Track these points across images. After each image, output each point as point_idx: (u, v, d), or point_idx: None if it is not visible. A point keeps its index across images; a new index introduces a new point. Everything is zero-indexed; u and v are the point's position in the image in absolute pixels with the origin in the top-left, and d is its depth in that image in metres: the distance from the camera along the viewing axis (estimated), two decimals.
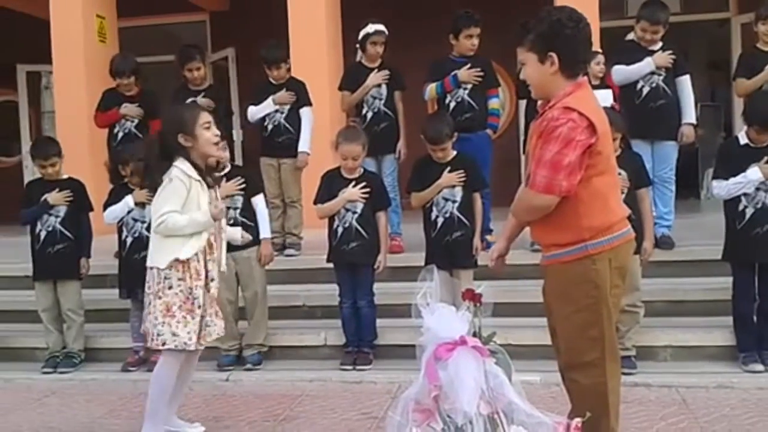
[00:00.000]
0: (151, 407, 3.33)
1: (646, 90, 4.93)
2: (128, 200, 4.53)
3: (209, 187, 3.36)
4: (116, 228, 4.65)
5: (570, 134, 2.37)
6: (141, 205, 4.54)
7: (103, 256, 5.11)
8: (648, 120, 4.86)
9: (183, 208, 3.22)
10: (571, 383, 2.66)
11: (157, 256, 3.27)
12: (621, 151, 3.98)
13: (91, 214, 4.89)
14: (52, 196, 4.68)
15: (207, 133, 3.29)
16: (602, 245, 2.47)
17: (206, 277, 3.30)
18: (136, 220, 4.57)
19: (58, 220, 4.69)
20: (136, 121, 5.64)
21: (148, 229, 4.53)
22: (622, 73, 4.96)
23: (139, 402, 4.07)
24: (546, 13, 2.51)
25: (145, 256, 4.41)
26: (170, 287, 3.21)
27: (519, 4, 6.84)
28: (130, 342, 4.71)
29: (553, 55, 2.45)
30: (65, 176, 4.83)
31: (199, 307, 3.25)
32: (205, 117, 3.31)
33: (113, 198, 4.60)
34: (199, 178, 3.29)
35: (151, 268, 3.28)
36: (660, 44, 4.97)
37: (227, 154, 4.37)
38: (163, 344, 3.22)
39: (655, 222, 4.52)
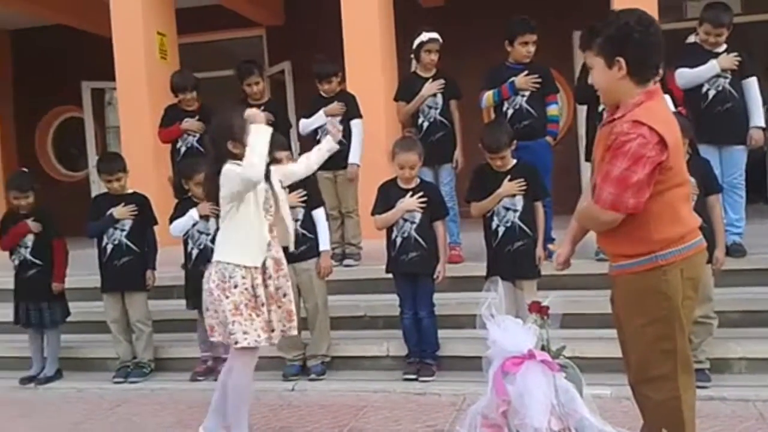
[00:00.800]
0: (234, 413, 3.41)
1: (711, 93, 4.80)
2: (193, 213, 4.62)
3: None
4: (182, 240, 4.76)
5: (639, 150, 2.29)
6: (205, 218, 4.64)
7: (169, 267, 5.22)
8: (715, 124, 4.73)
9: (242, 201, 3.31)
10: (642, 398, 2.58)
11: (222, 249, 3.36)
12: (689, 156, 3.87)
13: (156, 227, 5.01)
14: (118, 211, 4.81)
15: None
16: (673, 256, 2.40)
17: (264, 273, 3.37)
18: (201, 233, 4.66)
19: (124, 233, 4.81)
20: (198, 135, 5.76)
21: (212, 241, 4.62)
22: (686, 76, 4.84)
23: (208, 411, 4.15)
24: (615, 16, 2.44)
25: None
26: (236, 286, 3.28)
27: (576, 10, 6.78)
28: (198, 352, 4.80)
29: (621, 59, 2.38)
30: (130, 191, 4.97)
31: (263, 304, 3.33)
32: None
33: (179, 212, 4.70)
34: None
35: (216, 262, 3.35)
36: (724, 46, 4.83)
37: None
38: (236, 343, 3.28)
39: (725, 229, 4.39)
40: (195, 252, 4.67)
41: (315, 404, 4.15)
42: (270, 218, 3.46)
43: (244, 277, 3.29)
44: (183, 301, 4.79)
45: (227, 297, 3.27)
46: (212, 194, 3.42)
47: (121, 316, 4.85)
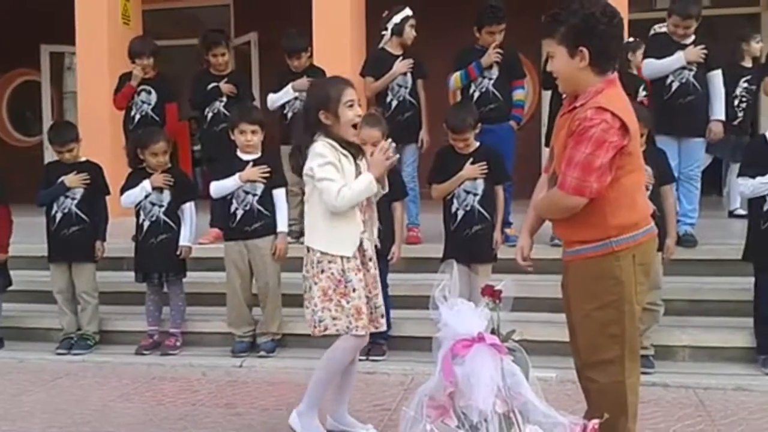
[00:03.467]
0: (314, 388, 3.23)
1: (675, 85, 4.84)
2: (145, 185, 4.53)
3: (354, 159, 3.14)
4: (134, 212, 4.66)
5: (603, 136, 2.33)
6: (159, 189, 4.55)
7: (120, 239, 5.12)
8: (676, 116, 4.78)
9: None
10: (588, 382, 2.62)
11: (314, 236, 3.12)
12: (645, 147, 3.89)
13: (108, 197, 4.88)
14: (69, 179, 4.69)
15: (350, 112, 3.08)
16: (627, 242, 2.44)
17: (363, 256, 3.14)
18: (153, 204, 4.57)
19: (74, 202, 4.69)
20: (153, 103, 5.64)
21: (165, 213, 4.58)
22: (652, 67, 4.87)
23: (152, 386, 4.11)
24: (579, 5, 2.43)
25: (162, 241, 4.55)
26: (322, 271, 3.07)
27: None
28: (144, 325, 4.72)
29: (584, 49, 2.39)
30: (83, 159, 4.84)
31: (354, 290, 3.07)
32: (350, 95, 3.10)
33: (131, 182, 4.61)
34: (345, 151, 3.10)
35: (308, 250, 3.13)
36: (692, 38, 4.86)
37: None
38: (325, 329, 3.09)
39: (678, 219, 4.44)
40: (147, 224, 4.58)
41: (262, 381, 4.12)
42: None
43: (330, 262, 3.06)
44: (132, 273, 4.69)
45: (316, 284, 3.07)
46: (297, 167, 3.13)
47: (67, 286, 4.73)
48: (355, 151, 3.16)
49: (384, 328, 3.29)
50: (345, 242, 3.09)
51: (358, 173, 3.12)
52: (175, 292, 4.68)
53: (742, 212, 5.59)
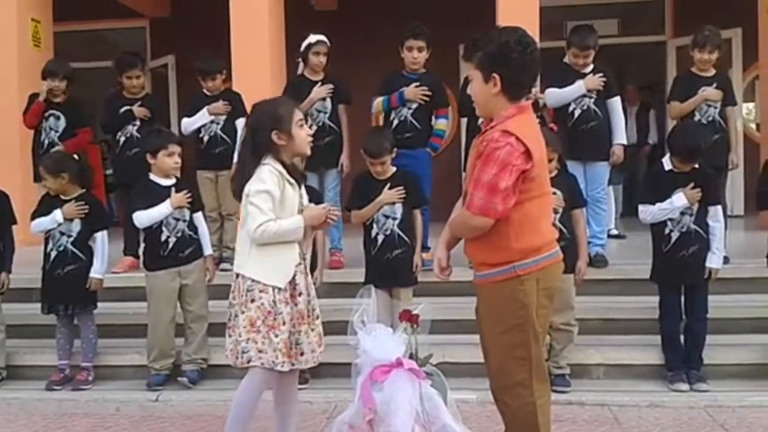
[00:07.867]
0: (229, 429, 3.10)
1: (577, 113, 5.02)
2: (57, 215, 4.38)
3: (299, 186, 3.13)
4: (44, 240, 4.48)
5: (507, 158, 2.39)
6: (69, 219, 4.39)
7: (29, 269, 4.88)
8: (579, 142, 4.94)
9: (277, 207, 2.98)
10: (501, 405, 2.67)
11: (246, 263, 3.03)
12: (558, 171, 4.03)
13: (16, 226, 4.69)
14: None
15: (302, 131, 3.06)
16: (530, 266, 2.51)
17: (294, 289, 3.07)
18: (62, 234, 4.40)
19: None
20: (61, 130, 5.51)
21: (73, 243, 4.43)
22: (554, 96, 5.04)
23: (63, 423, 3.94)
24: (497, 32, 2.51)
25: (69, 272, 4.38)
26: (252, 300, 2.97)
27: (463, 23, 6.92)
28: (55, 359, 4.52)
29: (497, 76, 2.45)
30: None
31: (284, 323, 2.99)
32: (299, 114, 3.08)
33: (42, 208, 4.45)
34: (290, 178, 3.05)
35: (237, 276, 3.05)
36: (591, 67, 5.07)
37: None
38: (249, 361, 2.98)
39: (588, 241, 4.59)
40: (54, 254, 4.41)
41: (179, 415, 4.00)
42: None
43: (261, 291, 2.98)
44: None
45: (243, 313, 2.98)
46: (239, 191, 3.02)
47: None
48: (299, 177, 3.14)
49: (303, 366, 3.19)
50: (278, 272, 3.01)
51: (300, 202, 3.12)
52: (85, 324, 4.49)
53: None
